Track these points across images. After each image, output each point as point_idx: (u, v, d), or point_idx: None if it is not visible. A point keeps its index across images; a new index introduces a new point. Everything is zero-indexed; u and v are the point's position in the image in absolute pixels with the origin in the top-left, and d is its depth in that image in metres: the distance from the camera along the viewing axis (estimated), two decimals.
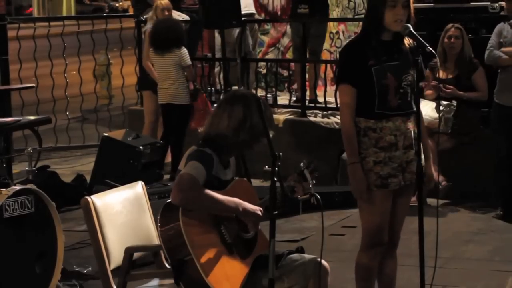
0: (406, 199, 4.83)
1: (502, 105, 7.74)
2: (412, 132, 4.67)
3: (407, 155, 4.67)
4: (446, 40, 8.00)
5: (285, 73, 11.02)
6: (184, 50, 8.90)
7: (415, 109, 4.64)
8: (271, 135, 4.03)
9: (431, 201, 7.33)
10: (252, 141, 4.27)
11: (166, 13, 9.32)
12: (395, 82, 4.62)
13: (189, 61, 8.92)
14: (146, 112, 9.69)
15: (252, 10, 10.36)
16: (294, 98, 9.89)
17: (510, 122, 7.67)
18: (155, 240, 4.60)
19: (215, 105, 4.47)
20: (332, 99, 9.13)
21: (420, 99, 6.70)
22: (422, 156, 4.67)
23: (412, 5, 4.62)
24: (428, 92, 8.04)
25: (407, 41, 4.70)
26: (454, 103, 7.90)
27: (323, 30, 10.07)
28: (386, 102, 4.60)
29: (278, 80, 10.69)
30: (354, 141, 4.64)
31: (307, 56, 9.58)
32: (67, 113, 11.17)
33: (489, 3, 8.45)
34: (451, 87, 7.88)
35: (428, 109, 7.79)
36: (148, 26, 9.40)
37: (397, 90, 4.62)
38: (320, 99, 9.45)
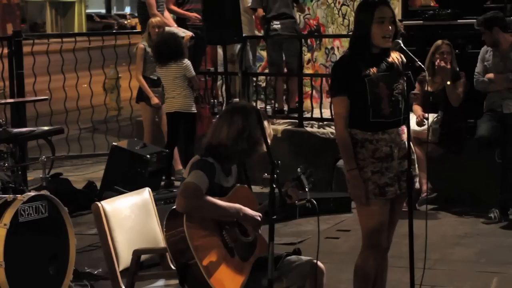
0: (400, 206, 4.83)
1: (494, 110, 7.76)
2: (406, 143, 4.68)
3: (402, 165, 4.67)
4: (438, 55, 7.99)
5: (284, 86, 11.01)
6: (188, 62, 8.90)
7: (406, 115, 4.67)
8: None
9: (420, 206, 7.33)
10: (250, 150, 4.27)
11: (157, 30, 9.34)
12: (387, 91, 4.60)
13: (193, 72, 8.93)
14: (144, 122, 9.72)
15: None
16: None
17: (496, 122, 7.67)
18: (161, 243, 4.60)
19: (217, 116, 4.47)
20: (327, 110, 9.13)
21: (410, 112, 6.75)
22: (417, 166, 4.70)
23: (397, 20, 4.63)
24: (416, 106, 8.04)
25: (394, 54, 4.71)
26: (441, 114, 7.91)
27: (296, 48, 9.66)
28: (379, 110, 4.59)
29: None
30: (350, 149, 4.61)
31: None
32: (79, 123, 11.17)
33: (475, 20, 8.45)
34: (444, 64, 7.86)
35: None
36: (142, 43, 9.41)
37: (389, 99, 4.61)
38: (316, 110, 9.44)
